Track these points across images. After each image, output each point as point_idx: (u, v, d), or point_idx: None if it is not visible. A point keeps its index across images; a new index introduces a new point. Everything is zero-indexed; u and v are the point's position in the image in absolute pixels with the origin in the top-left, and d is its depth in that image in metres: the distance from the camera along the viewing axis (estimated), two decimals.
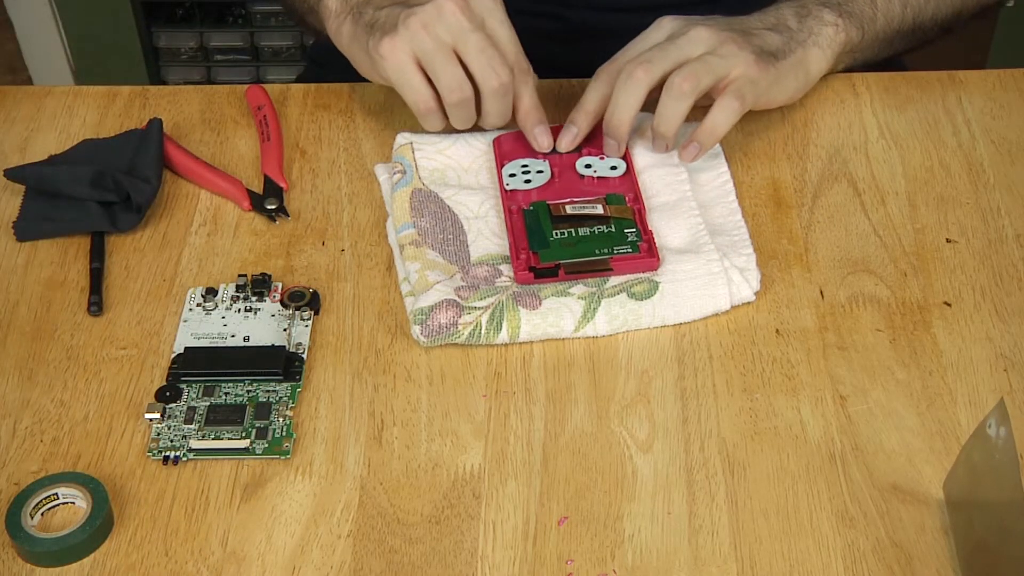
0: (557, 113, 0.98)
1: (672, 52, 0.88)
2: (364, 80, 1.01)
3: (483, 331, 0.82)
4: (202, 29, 2.12)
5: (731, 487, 0.75)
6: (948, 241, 0.89)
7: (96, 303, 0.85)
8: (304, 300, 0.85)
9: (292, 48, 2.12)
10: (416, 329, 0.82)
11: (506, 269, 0.86)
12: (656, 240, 0.86)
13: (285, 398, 0.80)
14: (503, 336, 0.82)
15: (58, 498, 0.75)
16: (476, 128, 0.92)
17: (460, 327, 0.82)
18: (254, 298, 0.85)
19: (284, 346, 0.82)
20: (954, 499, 0.72)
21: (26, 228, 0.91)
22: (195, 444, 0.77)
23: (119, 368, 0.82)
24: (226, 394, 0.80)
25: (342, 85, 1.01)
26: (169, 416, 0.79)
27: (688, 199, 0.89)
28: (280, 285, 0.86)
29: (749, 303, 0.85)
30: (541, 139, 0.91)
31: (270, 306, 0.85)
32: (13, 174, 0.93)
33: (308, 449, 0.78)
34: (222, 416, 0.78)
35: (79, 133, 0.98)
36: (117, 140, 0.95)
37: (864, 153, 0.95)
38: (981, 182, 0.93)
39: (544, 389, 0.80)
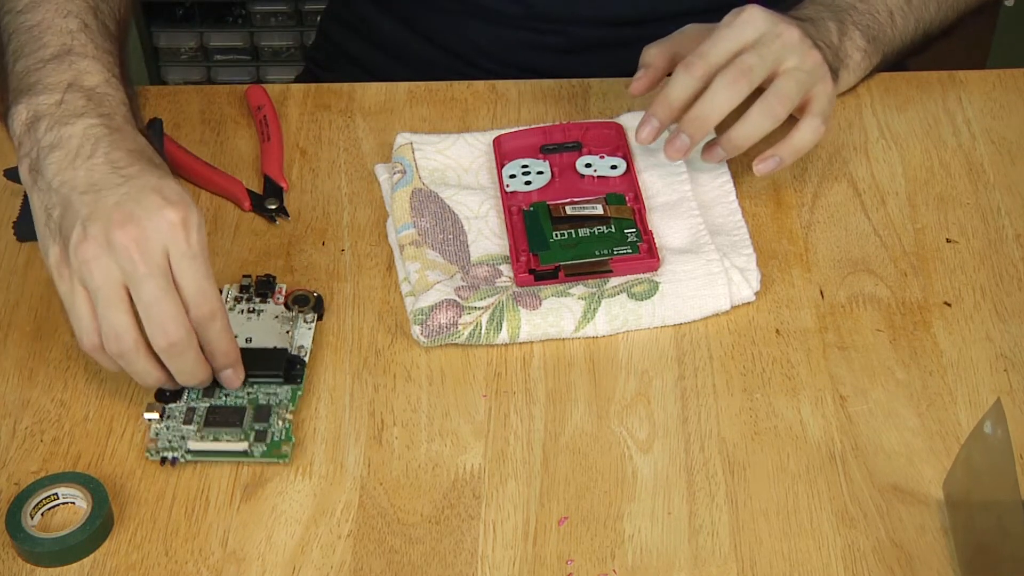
0: (560, 112, 0.98)
1: (769, 60, 0.86)
2: (364, 80, 1.01)
3: (483, 331, 0.82)
4: (202, 29, 2.12)
5: (731, 487, 0.75)
6: (948, 241, 0.89)
7: None
8: (308, 304, 0.84)
9: (292, 48, 2.11)
10: (416, 329, 0.82)
11: (506, 269, 0.86)
12: (656, 240, 0.86)
13: (285, 401, 0.79)
14: (503, 336, 0.82)
15: (58, 498, 0.75)
16: (475, 128, 0.92)
17: (460, 327, 0.81)
18: (257, 299, 0.85)
19: (286, 348, 0.82)
20: (954, 499, 0.72)
21: (26, 228, 0.90)
22: (193, 446, 0.77)
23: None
24: (226, 395, 0.80)
25: (342, 85, 1.01)
26: (168, 416, 0.79)
27: (688, 199, 0.89)
28: (284, 287, 0.86)
29: (749, 303, 0.85)
30: (231, 381, 0.79)
31: (273, 308, 0.85)
32: (13, 174, 0.92)
33: (308, 449, 0.78)
34: (221, 417, 0.78)
35: None
36: None
37: (864, 153, 0.95)
38: (981, 182, 0.93)
39: (544, 389, 0.80)
